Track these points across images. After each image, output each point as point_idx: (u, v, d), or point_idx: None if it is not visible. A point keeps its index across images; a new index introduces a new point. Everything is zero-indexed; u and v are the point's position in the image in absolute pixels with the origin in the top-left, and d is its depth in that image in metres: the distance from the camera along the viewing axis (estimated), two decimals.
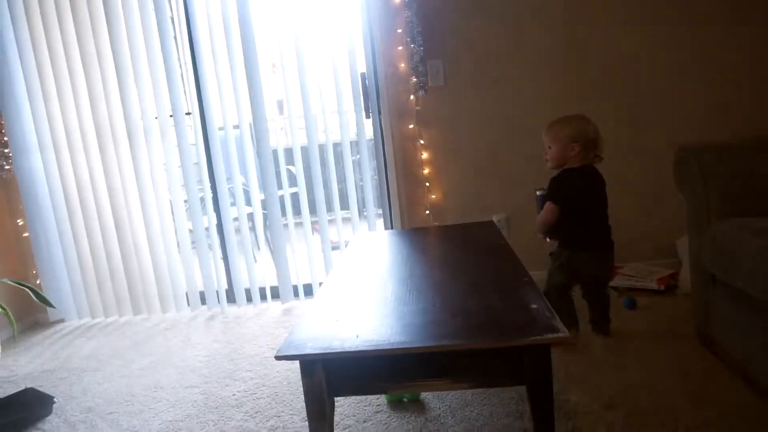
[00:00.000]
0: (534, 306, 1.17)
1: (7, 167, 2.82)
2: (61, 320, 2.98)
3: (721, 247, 1.59)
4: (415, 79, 2.57)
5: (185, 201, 2.86)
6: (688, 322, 1.99)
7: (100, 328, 2.85)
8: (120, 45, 2.67)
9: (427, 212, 2.72)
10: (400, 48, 2.58)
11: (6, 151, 2.79)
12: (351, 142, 2.78)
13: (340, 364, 1.12)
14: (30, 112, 2.76)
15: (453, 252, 1.86)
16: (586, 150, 1.86)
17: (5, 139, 2.76)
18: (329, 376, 1.12)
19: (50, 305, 2.76)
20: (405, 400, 1.75)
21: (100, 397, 2.06)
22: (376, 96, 2.67)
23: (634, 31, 2.53)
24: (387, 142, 2.68)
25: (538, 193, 1.98)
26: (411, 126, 2.65)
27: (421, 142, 2.66)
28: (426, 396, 1.76)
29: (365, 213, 2.84)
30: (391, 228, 2.78)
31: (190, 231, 2.91)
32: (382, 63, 2.61)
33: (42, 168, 2.81)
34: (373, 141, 2.76)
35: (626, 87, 2.58)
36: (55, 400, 2.00)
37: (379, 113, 2.68)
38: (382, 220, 2.90)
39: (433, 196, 2.70)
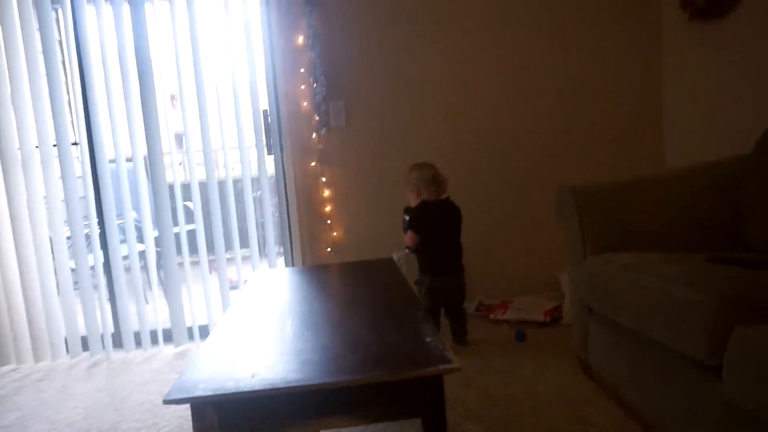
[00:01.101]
0: (428, 339, 1.22)
1: None
2: None
3: (595, 280, 1.75)
4: (317, 118, 2.61)
5: (68, 238, 2.65)
6: (571, 352, 2.14)
7: None
8: None
9: (329, 250, 2.73)
10: (303, 87, 2.63)
11: None
12: (252, 179, 2.75)
13: (234, 406, 1.08)
14: None
15: (353, 289, 1.88)
16: (426, 188, 2.22)
17: None
18: (222, 419, 1.08)
19: None
20: None
21: None
22: (279, 133, 2.68)
23: (518, 75, 2.76)
24: (289, 179, 2.68)
25: (406, 217, 2.29)
26: (313, 164, 2.68)
27: (323, 179, 2.69)
28: None
29: (266, 251, 2.80)
30: (292, 265, 2.75)
31: (73, 270, 2.69)
32: (285, 101, 2.63)
33: None
34: (274, 178, 2.74)
35: (518, 127, 2.79)
36: None
37: (281, 150, 2.69)
38: (282, 258, 2.86)
39: (335, 234, 2.73)
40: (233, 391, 1.04)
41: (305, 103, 2.64)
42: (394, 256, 2.69)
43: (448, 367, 1.07)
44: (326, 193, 2.70)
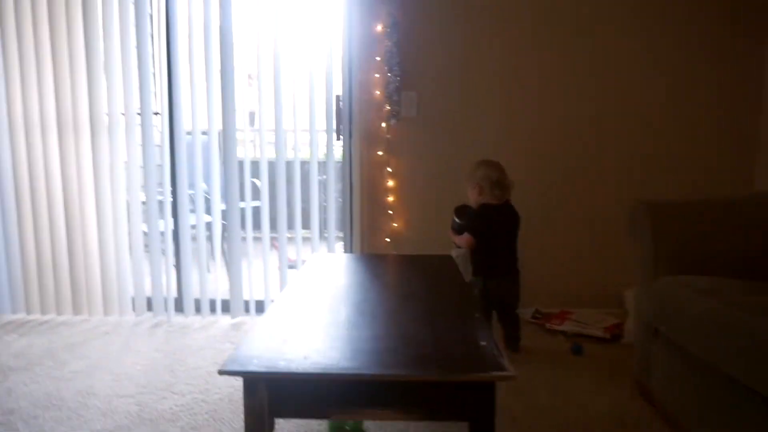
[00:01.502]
0: (483, 343, 1.19)
1: None
2: None
3: (666, 302, 1.65)
4: (388, 108, 2.60)
5: (143, 203, 2.78)
6: (630, 372, 2.04)
7: (34, 325, 2.70)
8: (93, 34, 2.61)
9: (388, 240, 2.73)
10: (377, 75, 2.62)
11: None
12: (319, 162, 2.79)
13: (284, 385, 1.10)
14: None
15: (409, 282, 1.86)
16: (490, 189, 2.15)
17: None
18: (272, 396, 1.10)
19: None
20: (347, 428, 1.72)
21: (26, 399, 1.94)
22: (349, 119, 2.69)
23: (603, 82, 2.65)
24: (355, 165, 2.69)
25: (456, 219, 2.24)
26: (380, 153, 2.67)
27: (389, 169, 2.69)
28: (369, 426, 1.73)
29: (326, 235, 2.83)
30: (351, 252, 2.77)
31: (145, 234, 2.82)
32: (358, 88, 2.64)
33: None
34: (341, 163, 2.77)
35: (589, 134, 2.68)
36: None
37: (350, 137, 2.70)
38: (342, 243, 2.89)
39: (395, 225, 2.72)
40: (285, 371, 1.06)
41: (378, 92, 2.63)
42: (453, 254, 2.65)
43: (501, 375, 1.04)
44: (390, 183, 2.70)
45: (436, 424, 1.70)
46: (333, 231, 2.81)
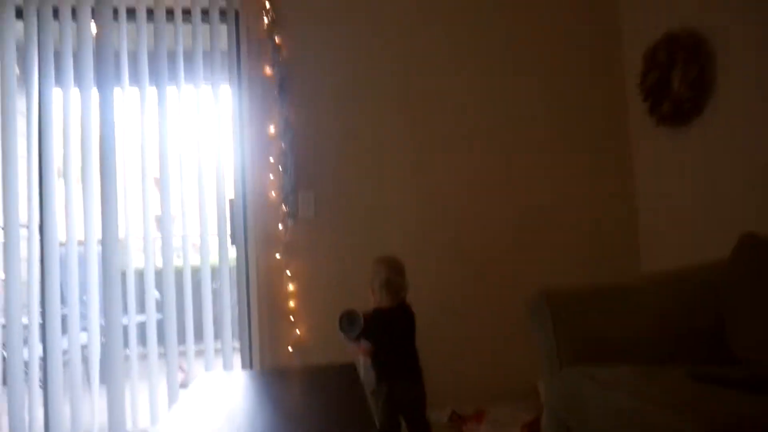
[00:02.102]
0: None
1: None
2: None
3: (571, 398, 1.59)
4: (285, 209, 2.52)
5: (2, 327, 2.42)
6: None
7: None
8: None
9: (290, 349, 2.53)
10: (272, 177, 2.55)
11: None
12: (212, 268, 2.60)
13: None
14: None
15: (304, 400, 1.69)
16: (380, 291, 2.00)
17: None
18: None
19: None
20: None
21: None
22: (244, 222, 2.57)
23: (498, 173, 2.74)
24: (251, 270, 2.53)
25: (343, 333, 1.98)
26: (278, 256, 2.54)
27: (288, 273, 2.55)
28: None
29: (222, 347, 2.59)
30: (250, 365, 2.54)
31: (3, 363, 2.43)
32: (253, 190, 2.55)
33: None
34: (235, 269, 2.60)
35: (493, 226, 2.72)
36: None
37: (245, 241, 2.56)
38: (239, 355, 2.65)
39: (298, 332, 2.54)
40: None
41: (273, 193, 2.55)
42: (361, 359, 2.50)
43: None
44: (291, 287, 2.55)
45: None
46: (229, 342, 2.58)
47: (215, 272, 2.65)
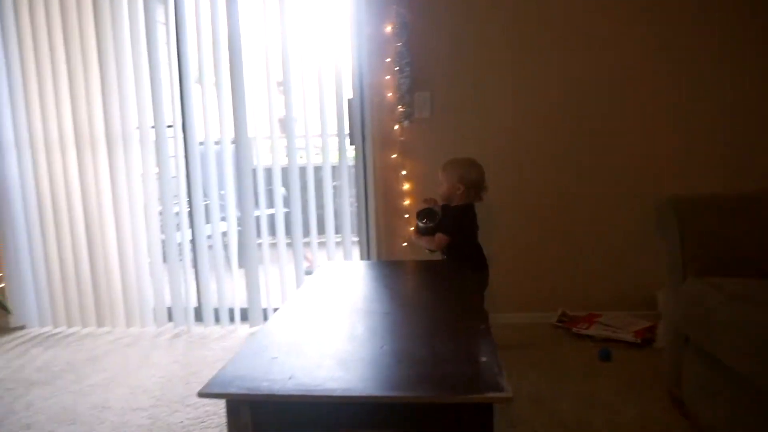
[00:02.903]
0: (483, 359, 1.10)
1: None
2: (22, 327, 2.88)
3: (694, 306, 1.52)
4: (401, 109, 2.53)
5: (160, 213, 2.80)
6: (662, 380, 1.91)
7: (59, 338, 2.75)
8: (106, 51, 2.64)
9: (405, 244, 2.65)
10: (388, 77, 2.55)
11: None
12: (332, 167, 2.74)
13: (268, 407, 1.04)
14: (9, 111, 2.71)
15: (419, 291, 1.79)
16: (468, 191, 2.13)
17: None
18: (257, 419, 1.05)
19: (7, 310, 2.68)
20: None
21: (43, 413, 1.96)
22: (361, 123, 2.63)
23: (630, 74, 2.51)
24: (369, 170, 2.63)
25: (422, 224, 2.18)
26: (394, 156, 2.60)
27: (404, 172, 2.61)
28: None
29: (342, 240, 2.78)
30: (368, 257, 2.71)
31: (163, 244, 2.84)
32: (369, 90, 2.58)
33: (17, 169, 2.76)
34: (354, 168, 2.71)
35: (614, 130, 2.55)
36: None
37: (363, 140, 2.64)
38: (358, 247, 2.83)
39: (412, 229, 2.64)
40: (267, 392, 1.00)
41: (390, 94, 2.56)
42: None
43: (497, 396, 0.96)
44: (406, 186, 2.62)
45: None
46: (348, 236, 2.75)
47: (335, 171, 2.79)
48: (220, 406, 1.94)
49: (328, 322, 1.40)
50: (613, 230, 2.59)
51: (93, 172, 2.73)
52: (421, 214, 2.18)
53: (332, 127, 2.67)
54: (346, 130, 2.67)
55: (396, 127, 2.58)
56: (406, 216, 2.64)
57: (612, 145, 2.56)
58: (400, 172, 2.61)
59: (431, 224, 2.15)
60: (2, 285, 2.83)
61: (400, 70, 2.49)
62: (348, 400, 1.00)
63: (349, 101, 2.64)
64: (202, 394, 1.01)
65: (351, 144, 2.67)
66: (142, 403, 2.01)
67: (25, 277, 2.83)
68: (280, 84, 2.67)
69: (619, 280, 2.60)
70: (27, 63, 2.68)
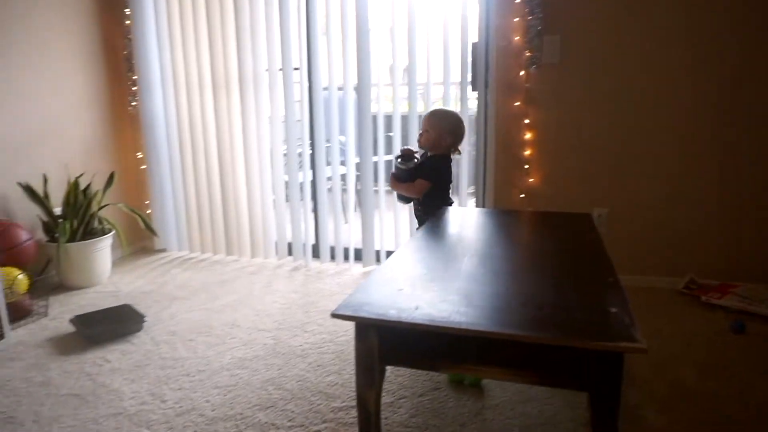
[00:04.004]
0: (613, 310, 1.06)
1: (133, 103, 3.06)
2: (164, 250, 3.23)
3: None
4: (528, 54, 2.42)
5: (284, 154, 2.95)
6: None
7: (194, 262, 3.06)
8: None
9: (522, 196, 2.59)
10: (516, 20, 2.43)
11: (134, 89, 3.03)
12: None
13: (394, 334, 1.09)
14: (157, 56, 2.96)
15: (539, 240, 1.75)
16: (454, 143, 2.15)
17: (134, 77, 2.99)
18: (382, 344, 1.10)
19: (155, 234, 3.00)
20: (465, 382, 1.70)
21: (184, 323, 2.21)
22: (485, 68, 2.55)
23: None
24: (490, 117, 2.56)
25: (401, 165, 2.16)
26: (518, 103, 2.51)
27: (527, 121, 2.52)
28: (488, 383, 1.70)
29: (458, 189, 2.77)
30: (482, 206, 2.69)
31: (286, 184, 3.00)
32: (495, 34, 2.48)
33: (162, 107, 3.02)
34: (475, 115, 2.65)
35: (750, 88, 2.26)
36: (145, 318, 2.18)
37: (486, 87, 2.56)
38: (473, 199, 2.81)
39: (531, 180, 2.56)
40: (394, 319, 1.05)
41: (517, 38, 2.45)
42: (594, 213, 2.45)
43: (631, 346, 0.92)
44: (528, 135, 2.53)
45: (559, 390, 1.61)
46: (465, 185, 2.73)
47: None
48: (336, 334, 2.07)
49: (449, 262, 1.42)
50: (757, 199, 2.34)
51: (227, 113, 2.92)
52: (398, 156, 2.19)
53: (455, 74, 2.61)
54: (469, 77, 2.60)
55: (522, 73, 2.47)
56: (526, 167, 2.56)
57: (754, 103, 2.27)
58: (522, 120, 2.52)
59: (403, 166, 2.15)
60: (149, 212, 3.17)
61: (530, 12, 2.36)
62: (474, 334, 1.01)
63: (474, 45, 2.56)
64: (334, 315, 1.08)
65: (473, 90, 2.60)
66: (267, 325, 2.19)
67: (167, 206, 3.15)
68: (402, 30, 2.64)
69: (761, 250, 2.36)
70: (172, 12, 2.89)
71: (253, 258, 3.07)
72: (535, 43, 2.40)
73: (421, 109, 2.70)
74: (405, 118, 2.75)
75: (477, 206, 2.73)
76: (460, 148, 2.20)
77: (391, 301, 1.13)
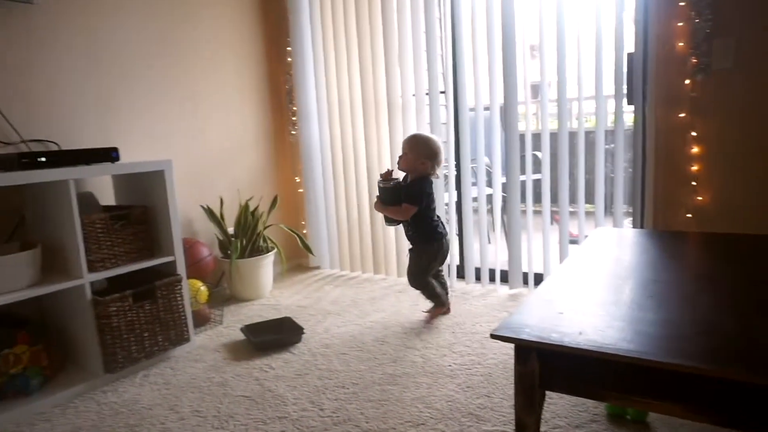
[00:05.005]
0: None
1: (293, 132, 3.36)
2: (318, 267, 3.46)
3: None
4: (695, 60, 2.22)
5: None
6: None
7: (345, 279, 3.23)
8: (389, 27, 2.91)
9: (689, 216, 2.36)
10: (680, 24, 2.25)
11: (294, 118, 3.32)
12: (606, 131, 2.56)
13: (555, 358, 1.06)
14: (314, 87, 3.22)
15: (714, 263, 1.58)
16: (434, 168, 2.39)
17: (294, 108, 3.29)
18: (543, 368, 1.07)
19: (311, 252, 3.23)
20: (628, 417, 1.58)
21: (337, 338, 2.35)
22: (643, 79, 2.39)
23: None
24: (649, 131, 2.38)
25: (381, 185, 2.43)
26: (682, 115, 2.31)
27: (693, 134, 2.30)
28: (654, 419, 1.56)
29: (612, 209, 2.61)
30: (641, 227, 2.49)
31: None
32: (655, 41, 2.31)
33: (317, 134, 3.27)
34: (631, 130, 2.49)
35: None
36: (304, 331, 2.35)
37: (644, 99, 2.40)
38: (630, 219, 2.62)
39: (699, 198, 2.33)
40: (557, 343, 1.02)
41: (681, 43, 2.26)
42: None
43: None
44: (695, 149, 2.31)
45: None
46: (620, 205, 2.56)
47: (609, 134, 2.61)
48: (485, 356, 2.05)
49: (610, 286, 1.34)
50: None
51: (375, 137, 3.08)
52: (381, 177, 2.46)
53: (608, 88, 2.48)
54: (624, 90, 2.45)
55: (687, 81, 2.28)
56: (693, 183, 2.33)
57: None
58: (688, 133, 2.31)
59: (382, 185, 2.41)
60: (305, 231, 3.43)
61: (698, 14, 2.17)
62: (644, 364, 0.95)
63: (629, 56, 2.42)
64: (494, 336, 1.08)
65: (629, 104, 2.45)
66: (414, 343, 2.24)
67: (321, 227, 3.38)
68: (550, 44, 2.59)
69: None
70: (327, 45, 3.14)
71: (399, 277, 3.17)
72: (702, 48, 2.19)
73: (575, 126, 2.60)
74: (554, 136, 2.67)
75: (634, 227, 2.54)
76: (437, 172, 2.41)
77: (552, 324, 1.10)
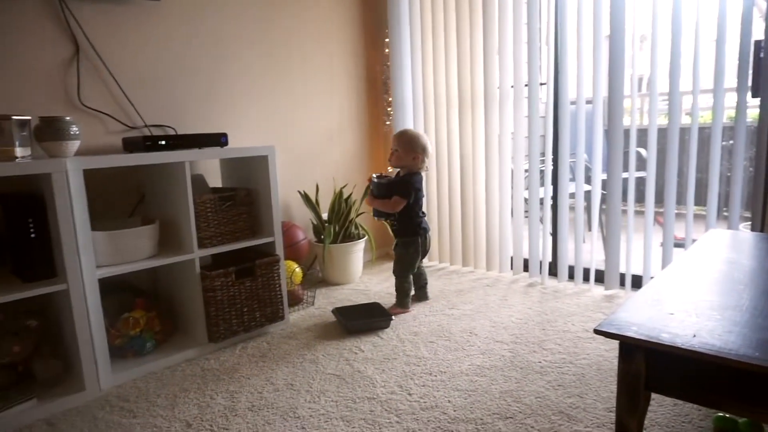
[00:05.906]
0: None
1: (387, 122, 3.41)
2: None
3: None
4: None
5: (525, 171, 2.94)
6: None
7: (433, 270, 3.24)
8: (490, 20, 2.86)
9: None
10: None
11: (389, 108, 3.36)
12: (724, 126, 2.37)
13: (664, 359, 1.01)
14: (410, 77, 3.24)
15: None
16: (423, 162, 2.49)
17: (389, 99, 3.33)
18: (650, 368, 1.03)
19: None
20: (740, 428, 1.47)
21: (426, 326, 2.36)
22: None
23: None
24: None
25: (375, 180, 2.52)
26: None
27: None
28: None
29: (725, 211, 2.41)
30: (761, 230, 2.29)
31: (525, 200, 2.99)
32: None
33: (412, 124, 3.29)
34: (754, 126, 2.28)
35: None
36: (392, 317, 2.39)
37: None
38: (748, 223, 2.41)
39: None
40: (668, 343, 0.97)
41: None
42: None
43: None
44: None
45: None
46: (737, 207, 2.36)
47: (727, 130, 2.41)
48: (577, 356, 1.98)
49: (726, 291, 1.25)
50: None
51: (470, 128, 3.05)
52: (375, 175, 2.54)
53: (729, 80, 2.30)
54: (749, 81, 2.25)
55: None
56: None
57: None
58: None
59: (377, 181, 2.50)
60: None
61: None
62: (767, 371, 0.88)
63: (757, 44, 2.21)
64: (597, 332, 1.04)
65: (753, 96, 2.25)
66: (503, 337, 2.21)
67: None
68: (665, 33, 2.43)
69: None
70: (426, 34, 3.14)
71: (488, 271, 3.13)
72: None
73: (687, 121, 2.43)
74: (662, 132, 2.51)
75: (753, 230, 2.33)
76: (426, 165, 2.51)
77: (662, 324, 1.04)
